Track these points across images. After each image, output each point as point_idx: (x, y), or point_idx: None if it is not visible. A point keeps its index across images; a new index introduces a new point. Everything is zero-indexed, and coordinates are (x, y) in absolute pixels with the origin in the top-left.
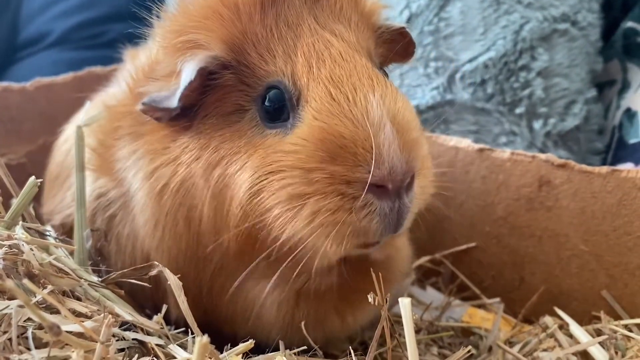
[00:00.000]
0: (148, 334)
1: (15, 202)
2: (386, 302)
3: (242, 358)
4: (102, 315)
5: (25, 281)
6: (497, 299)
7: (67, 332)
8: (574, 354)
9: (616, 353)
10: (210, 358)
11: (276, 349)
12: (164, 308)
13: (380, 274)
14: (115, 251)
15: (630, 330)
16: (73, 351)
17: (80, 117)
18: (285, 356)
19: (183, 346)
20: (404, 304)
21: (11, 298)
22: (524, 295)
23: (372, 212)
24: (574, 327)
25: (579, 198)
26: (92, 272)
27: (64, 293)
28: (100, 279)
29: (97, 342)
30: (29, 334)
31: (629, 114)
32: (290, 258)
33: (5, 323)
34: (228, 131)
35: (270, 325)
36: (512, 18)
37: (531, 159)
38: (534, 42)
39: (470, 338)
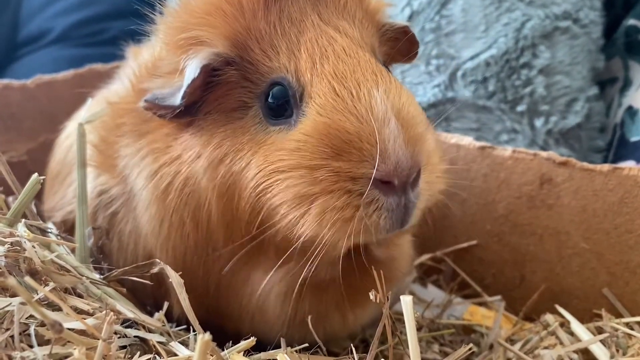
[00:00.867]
0: (150, 331)
1: (17, 199)
2: (387, 299)
3: (243, 355)
4: (104, 312)
5: (27, 278)
6: (498, 297)
7: (69, 329)
8: (575, 351)
9: (617, 351)
10: (212, 355)
11: (277, 347)
12: (166, 305)
13: (382, 272)
14: (117, 249)
15: (632, 328)
16: (75, 348)
17: (81, 114)
18: (286, 353)
19: (185, 343)
20: (406, 302)
21: (13, 295)
22: (525, 293)
23: (380, 208)
24: (575, 325)
25: (580, 196)
26: (93, 269)
27: (65, 290)
28: (101, 277)
29: (98, 339)
30: (31, 331)
31: (631, 111)
32: (300, 253)
33: (7, 320)
34: (231, 128)
35: (274, 320)
36: (513, 16)
37: (533, 157)
38: (535, 39)
39: (472, 336)
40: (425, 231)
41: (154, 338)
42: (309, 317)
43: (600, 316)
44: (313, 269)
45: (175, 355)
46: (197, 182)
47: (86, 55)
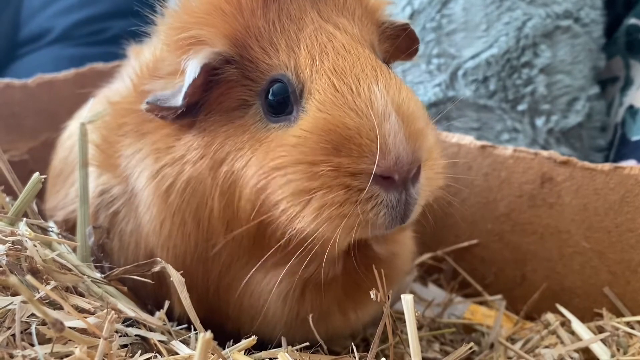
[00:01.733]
0: (151, 330)
1: (18, 198)
2: (388, 298)
3: (244, 354)
4: (105, 311)
5: (29, 277)
6: (499, 296)
7: (70, 328)
8: (575, 350)
9: (618, 350)
10: (213, 354)
11: (278, 346)
12: (166, 304)
13: (383, 270)
14: (118, 248)
15: (632, 328)
16: (76, 347)
17: (83, 113)
18: (287, 352)
19: (186, 342)
20: (407, 301)
21: (15, 294)
22: (526, 292)
23: (379, 204)
24: (576, 324)
25: (581, 195)
26: (94, 268)
27: (67, 289)
28: (103, 276)
29: (100, 338)
30: (33, 329)
31: (632, 110)
32: (300, 250)
33: (8, 319)
34: (232, 127)
35: (276, 320)
36: (514, 15)
37: (534, 156)
38: (536, 38)
39: (472, 335)
40: (426, 230)
41: (155, 337)
42: (311, 315)
43: (601, 315)
44: (314, 267)
45: (176, 354)
46: (200, 183)
47: (87, 54)
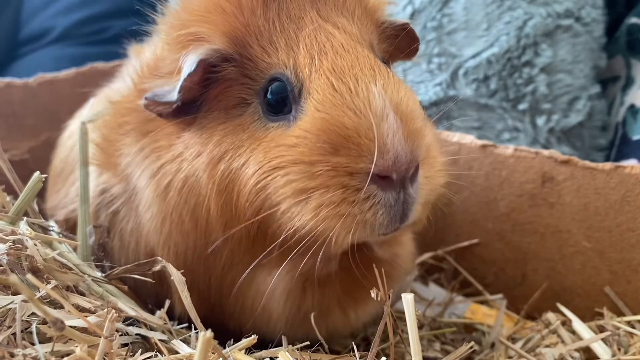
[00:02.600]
0: (151, 329)
1: (19, 197)
2: (389, 297)
3: (245, 353)
4: (106, 310)
5: (29, 276)
6: (500, 295)
7: (70, 327)
8: (576, 350)
9: (619, 349)
10: (214, 353)
11: (279, 345)
12: (167, 303)
13: (383, 270)
14: (119, 247)
15: (633, 327)
16: (77, 346)
17: (84, 112)
18: (288, 351)
19: (186, 341)
20: (407, 300)
21: (15, 293)
22: (527, 291)
23: (377, 204)
24: (577, 324)
25: (582, 194)
26: (95, 267)
27: (67, 288)
28: (103, 275)
29: (100, 337)
30: (33, 328)
31: (633, 110)
32: (299, 247)
33: (9, 318)
34: (230, 125)
35: (277, 319)
36: (515, 14)
37: (534, 155)
38: (537, 38)
39: (473, 334)
40: (427, 229)
41: (155, 336)
42: (312, 314)
43: (601, 314)
44: (316, 266)
45: (177, 353)
46: (196, 180)
47: (88, 53)
